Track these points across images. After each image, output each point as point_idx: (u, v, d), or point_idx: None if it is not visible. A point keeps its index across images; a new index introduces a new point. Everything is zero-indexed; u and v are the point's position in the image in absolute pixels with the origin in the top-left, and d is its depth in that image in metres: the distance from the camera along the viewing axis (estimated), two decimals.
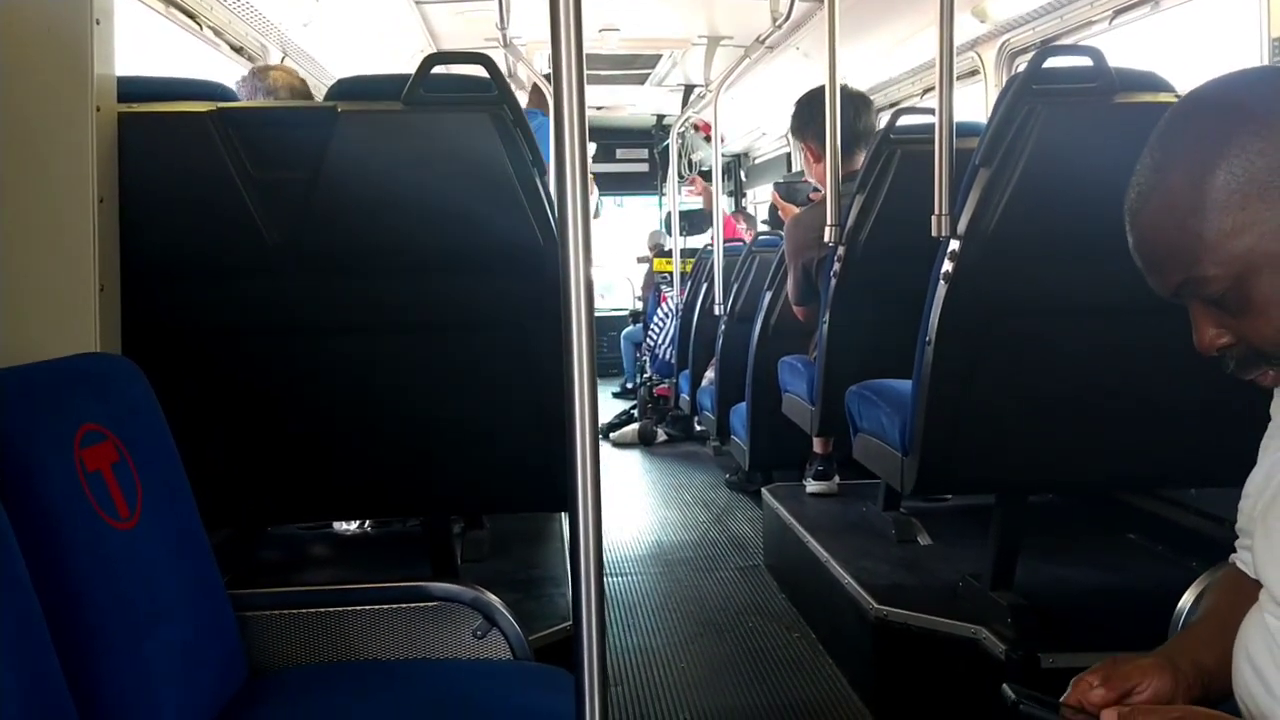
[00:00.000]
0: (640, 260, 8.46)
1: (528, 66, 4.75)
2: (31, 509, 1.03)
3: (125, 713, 1.09)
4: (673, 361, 6.01)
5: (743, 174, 9.25)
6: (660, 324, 6.36)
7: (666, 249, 6.74)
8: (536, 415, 1.81)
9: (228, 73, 3.29)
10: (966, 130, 2.12)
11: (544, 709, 1.32)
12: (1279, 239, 0.90)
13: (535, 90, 4.50)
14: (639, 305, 8.60)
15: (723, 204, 5.72)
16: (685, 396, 5.57)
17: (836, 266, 2.77)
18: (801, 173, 3.97)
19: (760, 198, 8.48)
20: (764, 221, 6.30)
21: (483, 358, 1.86)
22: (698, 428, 5.64)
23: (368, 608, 1.51)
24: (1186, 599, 1.32)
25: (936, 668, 2.19)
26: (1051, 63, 1.88)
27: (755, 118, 7.22)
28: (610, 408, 7.00)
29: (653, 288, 7.34)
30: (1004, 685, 1.08)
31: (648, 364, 6.55)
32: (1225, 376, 0.99)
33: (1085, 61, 1.88)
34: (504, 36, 4.18)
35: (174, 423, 1.36)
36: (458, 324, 1.83)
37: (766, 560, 3.53)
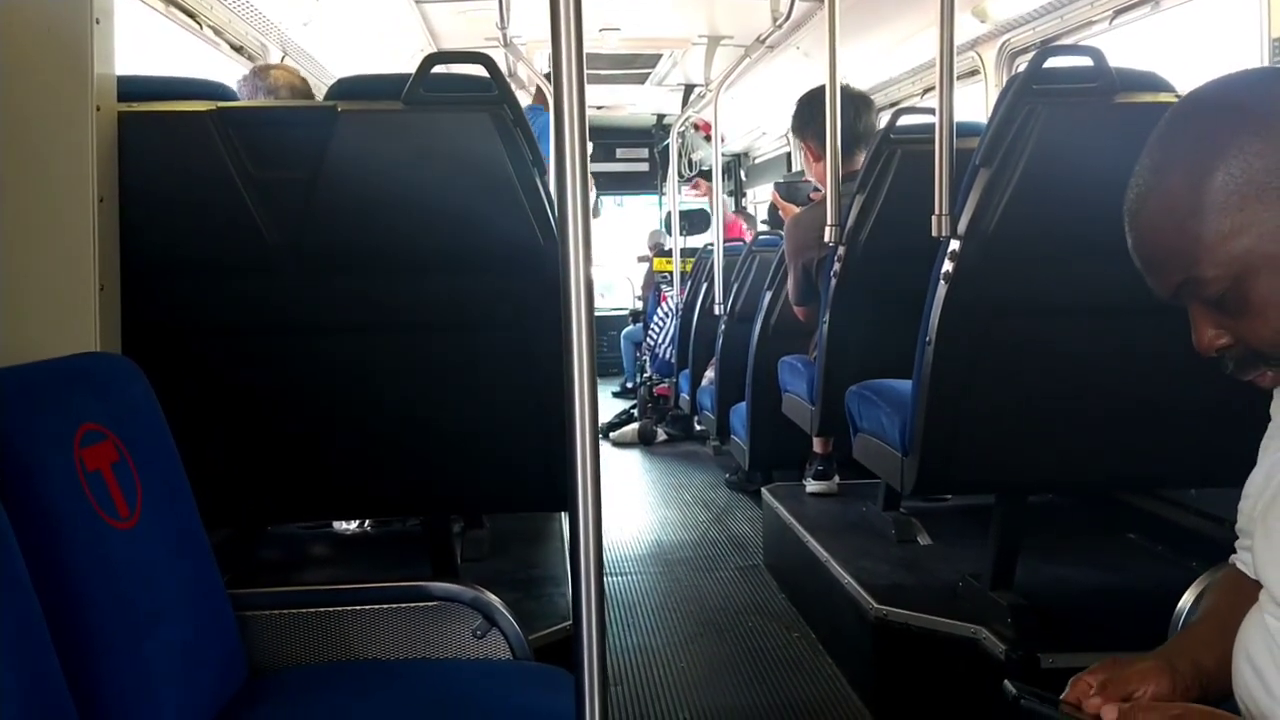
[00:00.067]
0: (640, 260, 8.46)
1: (528, 66, 4.74)
2: (31, 509, 1.03)
3: (125, 713, 1.09)
4: (673, 361, 6.01)
5: (743, 174, 9.25)
6: (660, 323, 6.36)
7: (666, 248, 6.74)
8: (536, 415, 1.81)
9: (228, 72, 3.29)
10: (967, 130, 2.12)
11: (544, 709, 1.32)
12: (1277, 240, 0.90)
13: (540, 88, 4.51)
14: (639, 305, 8.59)
15: (724, 204, 5.71)
16: (685, 396, 5.57)
17: (836, 266, 2.76)
18: (802, 172, 3.97)
19: (760, 197, 8.47)
20: (764, 221, 6.30)
21: (483, 358, 1.86)
22: (698, 427, 5.63)
23: (368, 607, 1.51)
24: (1186, 599, 1.31)
25: (936, 668, 2.19)
26: (1052, 63, 1.88)
27: (755, 117, 7.22)
28: (610, 407, 7.00)
29: (653, 287, 7.33)
30: (1005, 681, 1.09)
31: (648, 363, 6.55)
32: (1225, 377, 0.99)
33: (1085, 61, 1.88)
34: (504, 36, 4.18)
35: (174, 422, 1.36)
36: (458, 324, 1.83)
37: (766, 560, 3.53)
